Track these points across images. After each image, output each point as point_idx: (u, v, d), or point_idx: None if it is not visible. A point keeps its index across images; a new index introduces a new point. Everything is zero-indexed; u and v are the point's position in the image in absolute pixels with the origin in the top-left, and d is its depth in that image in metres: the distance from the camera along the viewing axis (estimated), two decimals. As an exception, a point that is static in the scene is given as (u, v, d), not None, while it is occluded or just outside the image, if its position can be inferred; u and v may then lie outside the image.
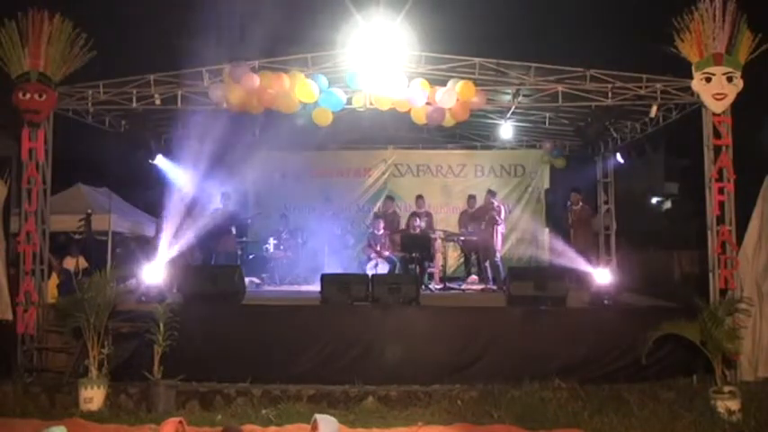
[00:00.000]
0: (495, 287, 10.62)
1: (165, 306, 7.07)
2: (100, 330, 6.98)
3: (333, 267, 11.07)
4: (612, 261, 11.01)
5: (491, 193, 11.41)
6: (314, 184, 12.94)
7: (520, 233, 12.80)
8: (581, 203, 11.13)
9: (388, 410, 6.67)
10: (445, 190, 12.87)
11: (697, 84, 7.64)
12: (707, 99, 7.60)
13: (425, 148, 13.14)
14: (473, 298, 9.91)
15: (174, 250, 10.03)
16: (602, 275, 8.45)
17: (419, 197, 11.79)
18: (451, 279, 11.39)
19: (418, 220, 11.12)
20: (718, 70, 7.51)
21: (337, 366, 7.41)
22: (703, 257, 8.01)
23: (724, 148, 7.62)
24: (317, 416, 5.08)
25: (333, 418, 5.15)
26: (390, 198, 12.46)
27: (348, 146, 12.87)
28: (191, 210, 12.55)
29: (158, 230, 10.20)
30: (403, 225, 11.65)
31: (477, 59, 8.36)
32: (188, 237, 11.31)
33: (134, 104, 8.42)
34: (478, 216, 11.24)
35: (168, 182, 12.19)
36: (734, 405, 6.24)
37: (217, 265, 11.18)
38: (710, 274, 7.64)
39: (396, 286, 8.01)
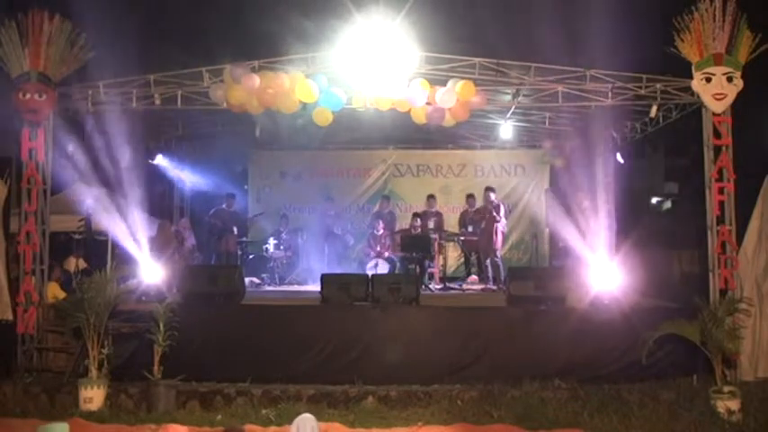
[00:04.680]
0: (495, 287, 10.63)
1: (165, 306, 7.07)
2: (100, 330, 6.98)
3: (333, 267, 11.07)
4: (613, 261, 10.99)
5: (489, 189, 11.40)
6: (314, 184, 12.95)
7: (520, 233, 12.83)
8: (584, 203, 11.12)
9: (388, 410, 6.67)
10: (445, 190, 12.87)
11: (697, 84, 7.64)
12: (707, 99, 7.60)
13: (425, 148, 13.14)
14: (473, 298, 9.91)
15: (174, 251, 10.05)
16: (603, 275, 8.44)
17: (430, 197, 11.74)
18: (451, 279, 11.39)
19: (419, 219, 11.12)
20: (718, 70, 7.50)
21: (337, 366, 7.41)
22: (703, 257, 8.00)
23: (724, 148, 7.62)
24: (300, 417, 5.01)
25: (311, 416, 5.05)
26: (386, 198, 12.49)
27: (348, 146, 12.88)
28: (191, 210, 12.61)
29: (159, 231, 10.19)
30: (405, 225, 11.66)
31: (477, 59, 8.37)
32: (188, 236, 11.35)
33: (134, 104, 8.42)
34: (479, 217, 11.22)
35: (169, 181, 12.23)
36: (734, 405, 6.25)
37: (217, 265, 11.21)
38: (710, 274, 7.64)
39: (396, 286, 8.01)
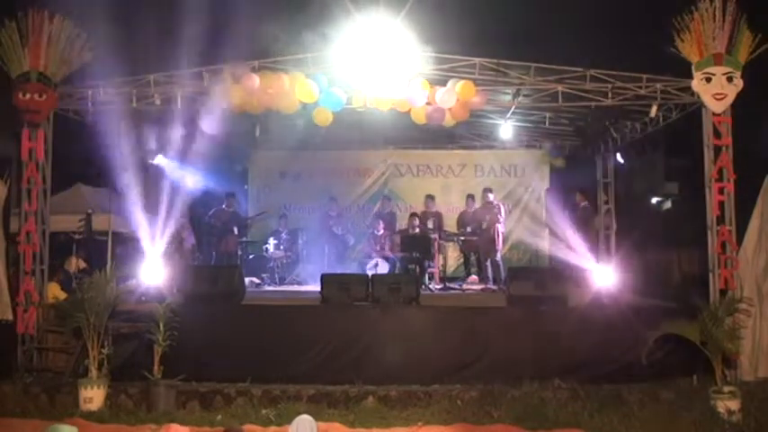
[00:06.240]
0: (495, 287, 10.63)
1: (165, 306, 7.07)
2: (100, 330, 6.98)
3: (333, 267, 11.07)
4: (613, 261, 11.01)
5: (487, 190, 11.40)
6: (314, 184, 12.94)
7: (520, 233, 12.81)
8: (584, 203, 11.13)
9: (388, 410, 6.67)
10: (445, 190, 12.86)
11: (697, 84, 7.64)
12: (707, 99, 7.60)
13: (425, 148, 13.13)
14: (473, 298, 9.91)
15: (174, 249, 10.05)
16: (603, 275, 8.45)
17: (429, 197, 11.73)
18: (451, 279, 11.41)
19: (417, 219, 11.12)
20: (718, 70, 7.51)
21: (337, 366, 7.41)
22: (703, 257, 8.00)
23: (724, 148, 7.62)
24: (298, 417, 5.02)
25: (309, 417, 5.06)
26: (387, 198, 12.50)
27: (348, 146, 12.87)
28: (191, 210, 12.60)
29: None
30: (404, 225, 11.66)
31: (477, 59, 8.36)
32: (188, 236, 11.34)
33: (134, 104, 8.42)
34: (479, 216, 11.23)
35: (169, 182, 12.21)
36: (734, 405, 6.25)
37: (217, 265, 11.21)
38: (710, 274, 7.64)
39: (396, 286, 8.01)
